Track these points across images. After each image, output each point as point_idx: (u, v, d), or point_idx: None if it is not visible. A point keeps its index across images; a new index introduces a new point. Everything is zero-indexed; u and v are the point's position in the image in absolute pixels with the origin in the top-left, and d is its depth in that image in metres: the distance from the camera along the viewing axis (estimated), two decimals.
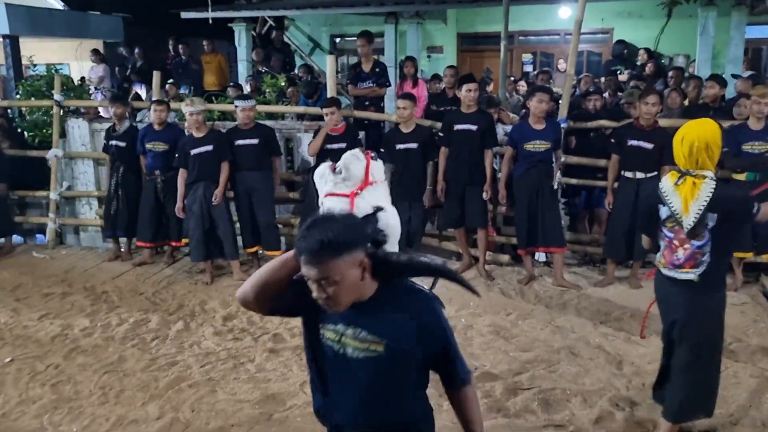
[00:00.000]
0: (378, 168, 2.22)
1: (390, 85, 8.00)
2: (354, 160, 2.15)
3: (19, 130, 8.20)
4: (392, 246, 2.00)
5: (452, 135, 6.04)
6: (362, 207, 1.98)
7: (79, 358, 4.63)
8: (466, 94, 5.93)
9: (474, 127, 5.94)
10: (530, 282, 5.93)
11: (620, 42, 10.36)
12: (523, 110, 7.32)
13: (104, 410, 3.90)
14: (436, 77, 8.56)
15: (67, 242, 7.71)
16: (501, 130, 6.30)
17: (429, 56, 11.87)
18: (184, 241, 6.46)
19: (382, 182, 2.20)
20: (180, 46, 10.58)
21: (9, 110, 8.47)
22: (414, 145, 6.10)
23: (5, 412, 3.90)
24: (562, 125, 6.07)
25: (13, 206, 7.67)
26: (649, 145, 5.49)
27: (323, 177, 2.26)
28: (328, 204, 2.09)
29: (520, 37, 12.36)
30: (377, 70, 7.69)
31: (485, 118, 6.04)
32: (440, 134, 6.22)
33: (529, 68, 12.40)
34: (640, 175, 5.54)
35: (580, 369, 4.30)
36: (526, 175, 5.77)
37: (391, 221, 1.99)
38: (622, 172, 5.68)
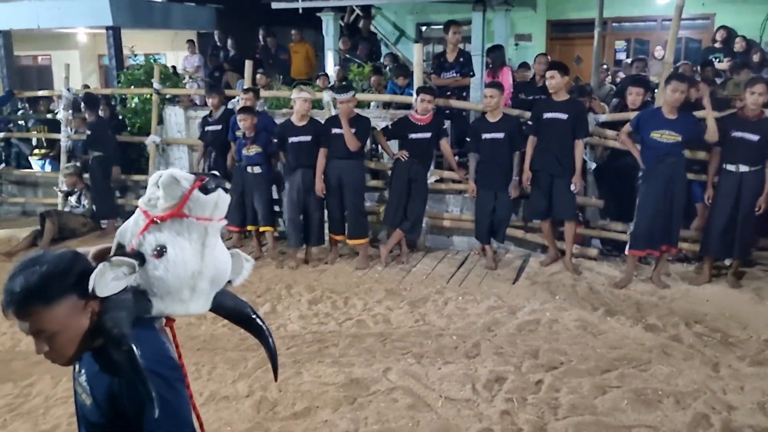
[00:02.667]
0: (205, 204, 1.53)
1: (474, 75, 7.89)
2: (172, 181, 1.51)
3: (120, 117, 8.64)
4: (167, 300, 1.55)
5: (541, 124, 5.90)
6: (148, 240, 1.53)
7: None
8: (549, 81, 5.81)
9: (564, 116, 5.78)
10: (627, 286, 5.60)
11: (722, 28, 9.81)
12: (615, 99, 7.06)
13: (198, 385, 4.07)
14: (524, 65, 8.38)
15: None
16: (592, 119, 6.10)
17: (517, 44, 11.64)
18: (263, 228, 6.59)
19: (202, 222, 1.55)
20: (269, 36, 10.83)
21: (111, 98, 8.94)
22: (500, 135, 6.01)
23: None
24: (600, 119, 5.85)
25: (116, 190, 8.09)
26: (755, 137, 5.18)
27: (151, 185, 1.59)
28: (132, 219, 1.60)
29: (614, 24, 11.92)
30: (461, 59, 7.59)
31: (576, 107, 5.86)
32: (529, 123, 6.09)
33: (621, 56, 11.95)
34: (743, 168, 5.24)
35: (673, 369, 4.13)
36: (655, 170, 5.34)
37: (173, 271, 1.51)
38: (724, 165, 5.39)
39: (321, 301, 5.52)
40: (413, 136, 6.20)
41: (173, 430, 1.49)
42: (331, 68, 9.62)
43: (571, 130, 5.77)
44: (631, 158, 5.62)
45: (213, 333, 4.88)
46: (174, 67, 10.61)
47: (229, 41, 11.13)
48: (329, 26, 10.15)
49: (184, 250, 1.53)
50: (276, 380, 1.95)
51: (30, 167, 9.35)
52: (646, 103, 5.94)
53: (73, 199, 7.85)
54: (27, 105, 10.02)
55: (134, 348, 1.43)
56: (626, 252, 5.75)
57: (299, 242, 6.43)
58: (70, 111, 8.31)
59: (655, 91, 6.27)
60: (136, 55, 10.08)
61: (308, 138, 6.22)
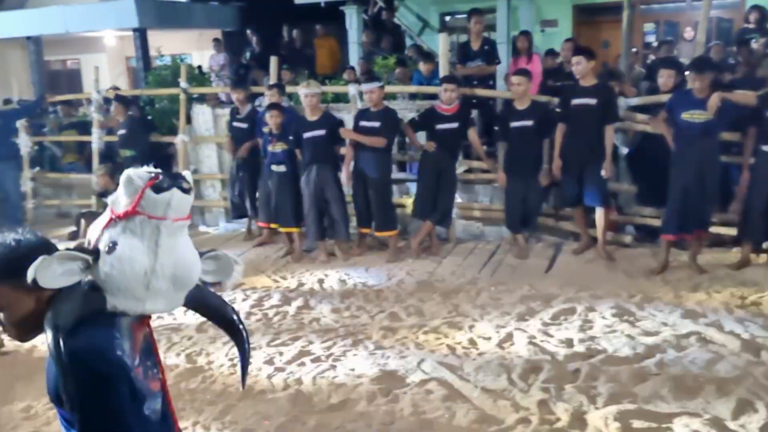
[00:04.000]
0: (156, 202, 1.53)
1: (500, 63, 7.82)
2: (127, 180, 1.55)
3: (149, 118, 8.74)
4: (120, 297, 1.55)
5: (570, 110, 5.82)
6: (105, 236, 1.56)
7: (210, 330, 4.89)
8: (575, 66, 5.73)
9: (593, 101, 5.69)
10: (663, 272, 5.51)
11: (755, 8, 9.54)
12: (646, 82, 6.93)
13: (234, 380, 4.11)
14: (551, 52, 8.27)
15: (193, 222, 8.16)
16: (623, 104, 6.00)
17: (543, 30, 11.48)
18: (287, 230, 6.62)
19: (155, 220, 1.54)
20: (293, 32, 10.86)
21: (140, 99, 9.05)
22: (529, 123, 5.94)
23: None
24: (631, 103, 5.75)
25: None
26: None
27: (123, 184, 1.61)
28: (101, 216, 1.64)
29: (642, 6, 11.68)
30: (486, 48, 7.53)
31: (606, 92, 5.77)
32: (557, 110, 6.02)
33: (651, 38, 11.72)
34: None
35: (714, 355, 4.05)
36: (686, 152, 5.24)
37: (118, 268, 1.53)
38: (760, 146, 5.25)
39: (353, 294, 5.53)
40: (440, 126, 6.17)
41: (100, 427, 1.49)
42: (355, 62, 9.60)
43: (601, 116, 5.68)
44: (664, 142, 5.52)
45: (248, 328, 4.91)
46: (200, 67, 10.70)
47: (254, 38, 11.18)
48: (352, 20, 10.13)
49: (132, 248, 1.53)
50: (243, 387, 1.91)
51: (62, 171, 9.51)
52: (678, 84, 5.81)
53: (106, 200, 7.96)
54: (58, 109, 10.19)
55: (61, 340, 1.46)
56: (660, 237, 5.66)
57: (318, 237, 6.44)
58: (101, 113, 8.43)
59: (686, 73, 6.13)
60: (162, 56, 10.19)
61: (322, 132, 6.21)
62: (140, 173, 1.55)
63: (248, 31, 11.46)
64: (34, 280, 1.47)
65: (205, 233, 7.81)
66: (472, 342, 4.47)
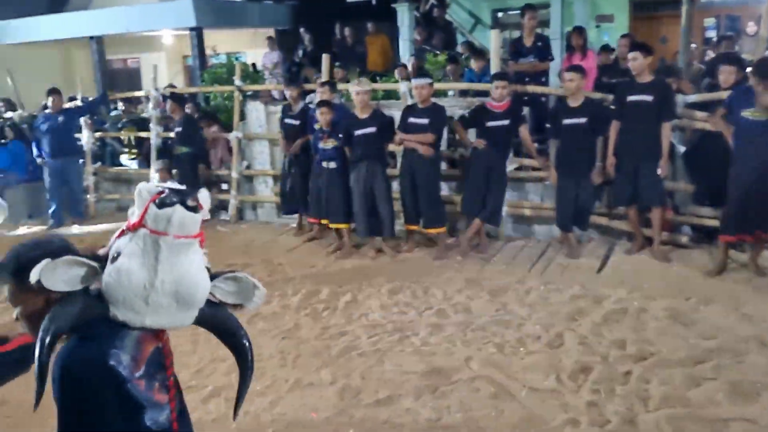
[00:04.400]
0: (157, 218, 1.53)
1: (553, 59, 7.71)
2: (138, 192, 1.57)
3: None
4: (120, 308, 1.56)
5: (625, 107, 5.70)
6: (114, 246, 1.59)
7: (260, 323, 5.00)
8: (631, 63, 5.60)
9: (649, 98, 5.55)
10: (720, 274, 5.34)
11: None
12: (706, 79, 6.72)
13: (283, 372, 4.19)
14: (605, 48, 8.10)
15: (246, 217, 8.33)
16: (681, 101, 5.83)
17: (598, 26, 11.23)
18: (337, 226, 6.67)
19: (155, 235, 1.55)
20: (345, 30, 10.95)
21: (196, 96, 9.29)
22: (582, 120, 5.84)
23: (200, 369, 4.32)
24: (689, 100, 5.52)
25: (202, 184, 8.41)
26: None
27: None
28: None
29: (702, 0, 11.32)
30: (539, 44, 7.43)
31: (662, 89, 5.62)
32: (612, 107, 5.90)
33: (711, 34, 11.34)
34: None
35: None
36: (746, 151, 5.05)
37: (116, 279, 1.54)
38: None
39: (401, 291, 5.54)
40: (491, 123, 6.12)
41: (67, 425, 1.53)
42: (406, 59, 9.62)
43: (657, 113, 5.54)
44: (723, 140, 5.34)
45: (297, 322, 5.00)
46: (254, 64, 10.89)
47: (306, 36, 11.32)
48: (404, 17, 10.15)
49: (131, 260, 1.54)
50: (234, 418, 1.83)
51: (122, 166, 9.84)
52: (739, 81, 5.62)
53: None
54: (119, 106, 10.54)
55: (45, 341, 1.50)
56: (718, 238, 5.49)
57: (367, 233, 6.48)
58: (158, 110, 8.69)
59: (748, 70, 5.92)
60: (218, 54, 10.44)
61: (373, 129, 6.24)
62: (150, 187, 1.57)
63: (301, 30, 11.62)
64: (39, 282, 1.51)
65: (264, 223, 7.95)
66: (520, 341, 4.43)
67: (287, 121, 7.20)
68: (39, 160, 8.57)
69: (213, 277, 1.65)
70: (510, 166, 6.45)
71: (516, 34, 9.77)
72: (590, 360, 4.08)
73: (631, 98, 5.64)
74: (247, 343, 1.76)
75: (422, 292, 5.48)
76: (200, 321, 1.64)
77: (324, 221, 6.79)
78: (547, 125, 6.20)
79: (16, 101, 10.45)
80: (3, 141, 9.22)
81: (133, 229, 1.56)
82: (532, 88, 6.98)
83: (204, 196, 1.60)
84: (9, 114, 10.00)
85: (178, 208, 1.53)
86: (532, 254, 6.25)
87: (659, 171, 5.57)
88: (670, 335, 4.35)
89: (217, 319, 1.71)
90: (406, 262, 6.30)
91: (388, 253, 6.49)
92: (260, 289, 1.70)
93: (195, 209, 1.56)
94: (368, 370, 4.17)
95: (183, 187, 1.60)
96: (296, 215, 7.53)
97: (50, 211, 8.54)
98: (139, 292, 1.53)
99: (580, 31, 7.86)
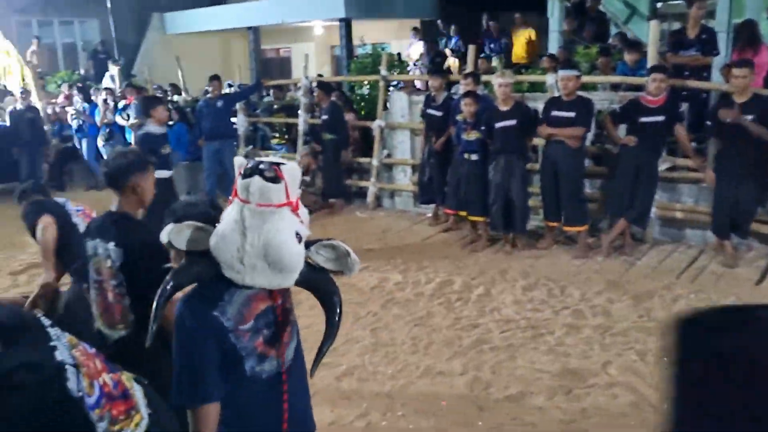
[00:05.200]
0: (239, 186, 1.74)
1: (718, 53, 7.14)
2: (237, 165, 1.80)
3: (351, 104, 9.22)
4: (225, 268, 1.77)
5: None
6: (223, 214, 1.89)
7: (393, 308, 5.09)
8: None
9: None
10: None
11: None
12: None
13: (415, 359, 4.24)
14: None
15: (383, 205, 8.50)
16: None
17: None
18: (474, 218, 6.61)
19: (240, 202, 1.74)
20: (491, 21, 10.81)
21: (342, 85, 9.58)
22: (748, 118, 5.36)
23: (335, 347, 4.45)
24: None
25: (345, 171, 8.67)
26: None
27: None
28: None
29: None
30: (704, 36, 6.89)
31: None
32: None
33: None
34: None
35: None
36: None
37: (213, 241, 1.78)
38: None
39: (536, 287, 5.42)
40: (644, 119, 5.79)
41: (178, 363, 1.79)
42: (555, 50, 9.33)
43: None
44: None
45: (429, 311, 5.04)
46: (399, 55, 11.06)
47: (452, 27, 11.30)
48: (554, 7, 9.83)
49: (227, 226, 1.74)
50: (312, 374, 2.01)
51: (272, 149, 10.37)
52: None
53: (307, 178, 8.57)
54: (271, 93, 11.11)
55: (162, 293, 1.81)
56: None
57: (500, 227, 6.37)
58: (307, 98, 9.05)
59: None
60: (365, 45, 10.68)
61: (513, 122, 6.10)
62: (242, 160, 1.77)
63: (441, 22, 11.64)
64: (170, 242, 1.80)
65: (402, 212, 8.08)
66: (665, 351, 4.17)
67: (429, 111, 7.24)
68: (199, 142, 9.23)
69: (310, 244, 1.83)
70: (662, 166, 6.07)
71: (675, 25, 9.16)
72: None
73: None
74: (338, 309, 1.93)
75: (559, 290, 5.32)
76: (300, 282, 1.82)
77: (462, 213, 6.78)
78: (708, 123, 5.76)
79: (182, 86, 11.31)
80: (169, 123, 10.03)
81: (233, 198, 1.77)
82: (692, 83, 6.51)
83: (288, 168, 1.75)
84: (175, 98, 10.85)
85: (256, 179, 1.70)
86: (681, 260, 5.86)
87: None
88: None
89: (316, 282, 1.90)
90: (543, 258, 6.14)
91: (522, 248, 6.35)
92: (352, 257, 1.86)
93: (274, 179, 1.71)
94: (499, 365, 4.13)
95: (274, 160, 1.76)
96: (433, 205, 7.58)
97: (206, 189, 9.18)
98: (234, 253, 1.73)
99: (750, 24, 7.21)
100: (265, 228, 1.71)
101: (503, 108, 6.20)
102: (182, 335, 1.78)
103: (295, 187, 1.77)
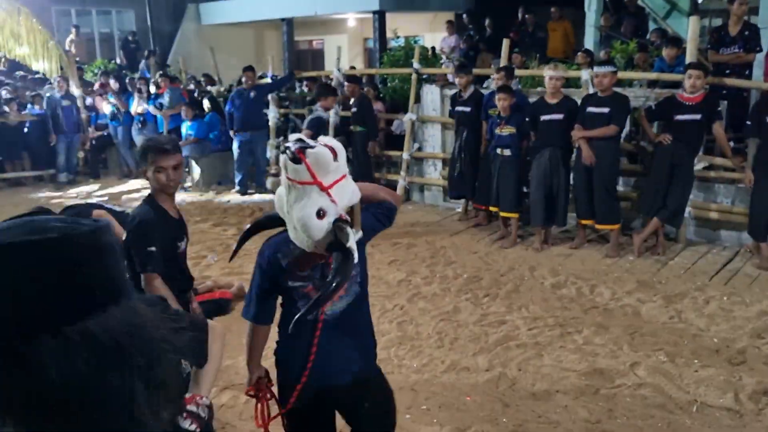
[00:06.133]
0: (281, 161, 2.02)
1: (761, 50, 6.96)
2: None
3: (382, 96, 9.21)
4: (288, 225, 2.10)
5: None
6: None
7: (420, 303, 5.08)
8: None
9: None
10: None
11: None
12: None
13: (440, 353, 4.23)
14: None
15: (412, 198, 8.48)
16: None
17: None
18: (506, 214, 6.55)
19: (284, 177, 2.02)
20: (527, 15, 10.69)
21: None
22: None
23: None
24: None
25: (373, 163, 8.67)
26: None
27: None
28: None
29: None
30: (746, 33, 6.72)
31: None
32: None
33: None
34: None
35: None
36: None
37: (276, 204, 2.12)
38: None
39: (565, 285, 5.36)
40: (680, 117, 5.67)
41: (251, 284, 2.29)
42: (591, 46, 9.19)
43: None
44: None
45: (456, 306, 5.01)
46: (433, 48, 11.00)
47: (487, 21, 11.21)
48: (592, 2, 9.67)
49: (281, 191, 2.06)
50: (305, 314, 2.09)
51: None
52: None
53: None
54: (303, 84, 11.13)
55: (246, 231, 2.40)
56: None
57: (542, 222, 6.29)
58: (340, 90, 9.05)
59: None
60: (398, 37, 10.64)
61: (560, 116, 6.03)
62: (291, 139, 2.01)
63: (474, 15, 11.53)
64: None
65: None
66: (695, 353, 4.10)
67: (458, 108, 7.15)
68: (231, 132, 9.31)
69: (338, 221, 2.01)
70: (698, 165, 5.94)
71: (717, 22, 8.94)
72: None
73: None
74: (350, 260, 2.02)
75: (588, 289, 5.25)
76: (327, 250, 2.03)
77: (493, 208, 6.72)
78: (748, 122, 5.62)
79: (216, 76, 11.42)
80: (202, 113, 10.14)
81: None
82: (732, 81, 6.35)
83: (313, 151, 1.93)
84: (209, 88, 10.95)
85: (283, 157, 1.97)
86: (715, 261, 5.74)
87: None
88: None
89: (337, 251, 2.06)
90: (574, 256, 6.06)
91: (556, 246, 6.28)
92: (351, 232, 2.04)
93: (295, 160, 1.92)
94: (525, 362, 4.09)
95: (308, 143, 1.96)
96: (462, 200, 7.53)
97: (237, 179, 9.28)
98: (283, 215, 2.07)
99: None
100: (294, 200, 1.98)
101: (551, 101, 6.12)
102: (255, 268, 2.25)
103: (324, 170, 1.93)
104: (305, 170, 1.92)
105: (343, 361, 2.26)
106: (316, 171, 1.92)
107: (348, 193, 2.04)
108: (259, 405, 2.38)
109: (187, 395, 1.73)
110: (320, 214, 1.96)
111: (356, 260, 2.00)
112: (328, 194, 1.96)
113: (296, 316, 2.02)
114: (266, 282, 2.22)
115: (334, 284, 2.01)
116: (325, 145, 1.97)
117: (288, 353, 2.29)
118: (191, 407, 1.70)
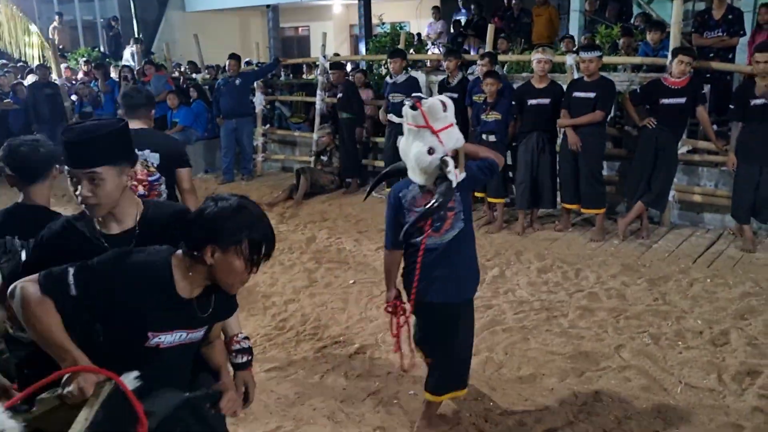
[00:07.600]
0: (402, 111, 2.76)
1: (744, 34, 7.00)
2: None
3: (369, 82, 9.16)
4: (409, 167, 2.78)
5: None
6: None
7: None
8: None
9: None
10: None
11: None
12: None
13: None
14: None
15: None
16: None
17: None
18: (493, 200, 6.58)
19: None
20: (512, 1, 10.66)
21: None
22: None
23: (348, 326, 4.52)
24: None
25: (360, 150, 8.65)
26: None
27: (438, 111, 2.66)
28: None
29: None
30: (730, 17, 6.76)
31: None
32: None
33: None
34: None
35: None
36: None
37: (399, 147, 2.84)
38: None
39: (551, 270, 5.40)
40: (665, 101, 5.70)
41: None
42: (575, 31, 9.20)
43: None
44: None
45: None
46: (419, 34, 10.96)
47: (472, 6, 11.17)
48: None
49: (402, 136, 2.80)
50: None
51: (289, 128, 10.38)
52: None
53: (324, 158, 8.58)
54: (289, 71, 11.07)
55: (382, 174, 3.24)
56: None
57: (527, 205, 6.33)
58: (325, 77, 9.02)
59: None
60: (383, 24, 10.60)
61: (547, 101, 6.05)
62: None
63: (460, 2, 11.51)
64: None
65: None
66: (679, 334, 4.16)
67: (446, 94, 7.13)
68: (217, 120, 9.26)
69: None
70: (682, 148, 5.99)
71: (700, 6, 8.98)
72: (759, 363, 3.74)
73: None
74: (451, 187, 2.67)
75: (574, 273, 5.30)
76: (436, 182, 2.68)
77: (479, 194, 6.74)
78: (731, 106, 5.67)
79: (200, 64, 11.33)
80: (188, 101, 10.06)
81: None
82: (716, 65, 6.39)
83: (427, 102, 2.63)
84: (194, 76, 10.87)
85: (405, 106, 2.66)
86: (699, 244, 5.81)
87: None
88: None
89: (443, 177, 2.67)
90: (559, 241, 6.11)
91: (542, 230, 6.32)
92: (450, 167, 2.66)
93: (413, 107, 2.62)
94: (512, 346, 4.13)
95: (422, 96, 2.70)
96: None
97: (224, 167, 9.24)
98: (404, 156, 2.73)
99: None
100: (412, 140, 2.66)
101: (538, 85, 6.13)
102: (386, 205, 2.97)
103: (435, 116, 2.60)
104: (420, 115, 2.59)
105: (440, 285, 2.87)
106: (428, 117, 2.59)
107: (453, 138, 2.65)
108: (394, 319, 3.01)
109: (226, 339, 2.21)
110: (430, 151, 2.61)
111: (455, 186, 2.63)
112: (437, 136, 2.60)
113: (404, 228, 2.78)
114: (393, 217, 2.89)
115: (435, 203, 2.62)
116: (438, 100, 2.62)
117: (405, 273, 2.98)
118: (236, 346, 2.20)
